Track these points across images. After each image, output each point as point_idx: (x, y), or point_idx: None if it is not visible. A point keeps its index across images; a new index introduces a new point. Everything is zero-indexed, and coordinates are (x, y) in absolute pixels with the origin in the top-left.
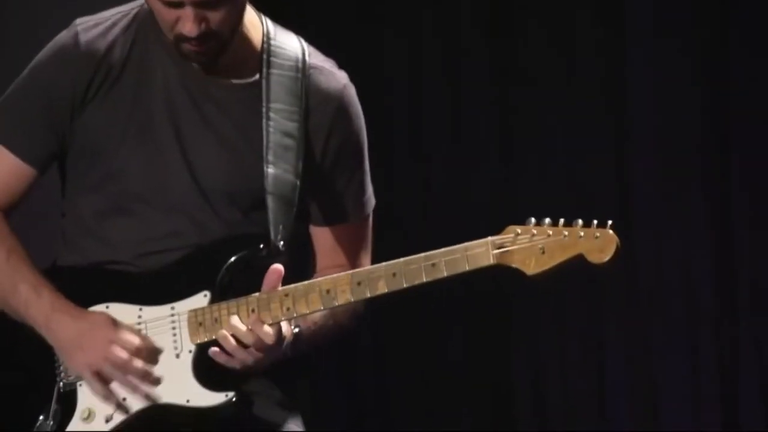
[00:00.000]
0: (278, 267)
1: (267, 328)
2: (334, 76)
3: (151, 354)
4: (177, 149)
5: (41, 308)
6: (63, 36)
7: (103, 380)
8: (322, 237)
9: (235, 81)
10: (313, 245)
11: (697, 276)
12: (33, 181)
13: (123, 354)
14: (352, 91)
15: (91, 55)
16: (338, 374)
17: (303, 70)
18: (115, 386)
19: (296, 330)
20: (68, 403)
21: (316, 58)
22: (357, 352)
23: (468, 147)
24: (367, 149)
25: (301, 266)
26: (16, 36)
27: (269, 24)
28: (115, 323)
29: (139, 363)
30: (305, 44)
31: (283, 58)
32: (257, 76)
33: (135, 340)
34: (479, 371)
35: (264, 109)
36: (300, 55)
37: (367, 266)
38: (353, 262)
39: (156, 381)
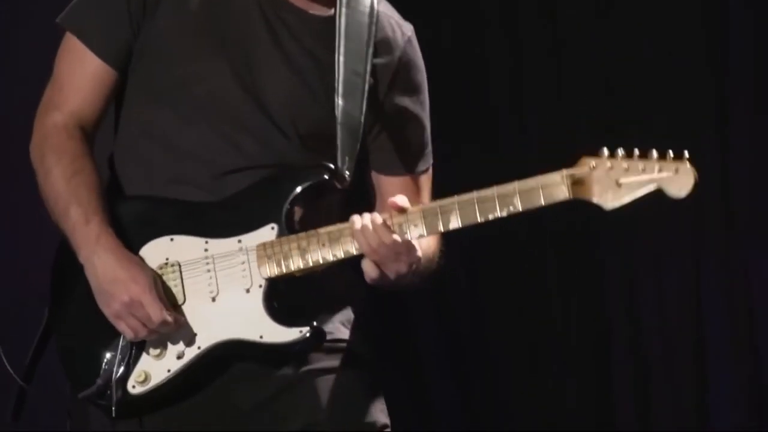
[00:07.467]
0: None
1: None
2: (401, 27)
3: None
4: (245, 66)
5: (87, 237)
6: None
7: (127, 328)
8: (384, 186)
9: (310, 12)
10: (374, 195)
11: None
12: (113, 87)
13: (153, 313)
14: (416, 44)
15: None
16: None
17: (373, 14)
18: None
19: None
20: (136, 342)
21: (385, 6)
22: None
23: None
24: (428, 105)
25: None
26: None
27: None
28: (154, 284)
29: (162, 320)
30: None
31: (356, 1)
32: (332, 12)
33: (163, 310)
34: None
35: (337, 44)
36: (371, 1)
37: None
38: None
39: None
